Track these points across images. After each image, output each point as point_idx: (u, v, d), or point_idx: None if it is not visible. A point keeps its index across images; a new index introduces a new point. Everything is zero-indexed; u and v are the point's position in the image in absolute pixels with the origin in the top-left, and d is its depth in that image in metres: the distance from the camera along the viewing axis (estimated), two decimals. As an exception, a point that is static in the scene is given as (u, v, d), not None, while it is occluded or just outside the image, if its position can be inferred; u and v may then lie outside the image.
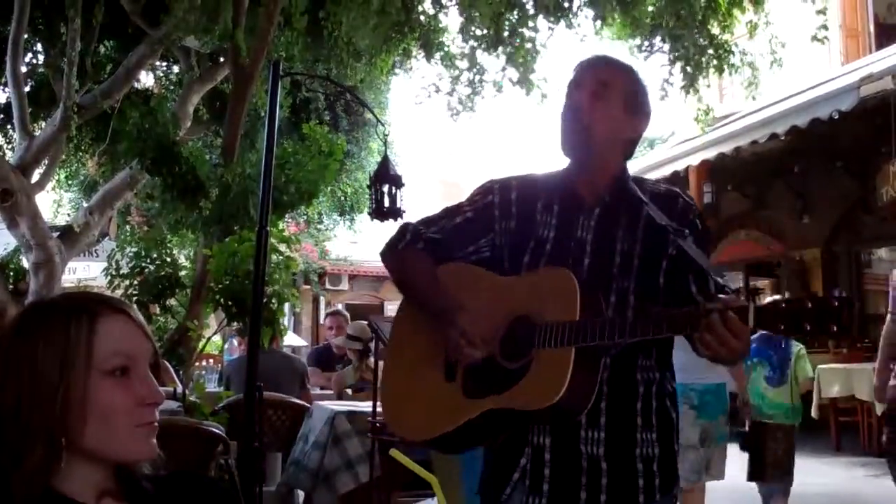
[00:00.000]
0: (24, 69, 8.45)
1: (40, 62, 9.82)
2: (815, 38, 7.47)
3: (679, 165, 9.61)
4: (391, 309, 10.12)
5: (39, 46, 9.80)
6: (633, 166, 1.98)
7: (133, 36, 8.70)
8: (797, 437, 5.03)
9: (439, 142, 44.41)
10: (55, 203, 13.97)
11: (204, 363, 7.99)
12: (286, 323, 8.48)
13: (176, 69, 10.75)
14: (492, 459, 1.87)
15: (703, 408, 4.60)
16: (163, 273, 6.62)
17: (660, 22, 8.07)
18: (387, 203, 5.11)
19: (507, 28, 8.27)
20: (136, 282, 6.57)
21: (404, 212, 5.13)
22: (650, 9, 8.09)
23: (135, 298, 6.45)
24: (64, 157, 9.80)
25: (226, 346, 9.78)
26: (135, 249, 6.77)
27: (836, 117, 7.12)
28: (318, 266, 16.81)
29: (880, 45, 10.11)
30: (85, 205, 9.91)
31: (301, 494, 4.80)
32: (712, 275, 1.70)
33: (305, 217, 13.25)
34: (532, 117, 68.59)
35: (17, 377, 1.10)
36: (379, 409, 3.74)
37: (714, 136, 9.06)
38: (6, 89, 8.72)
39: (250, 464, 3.44)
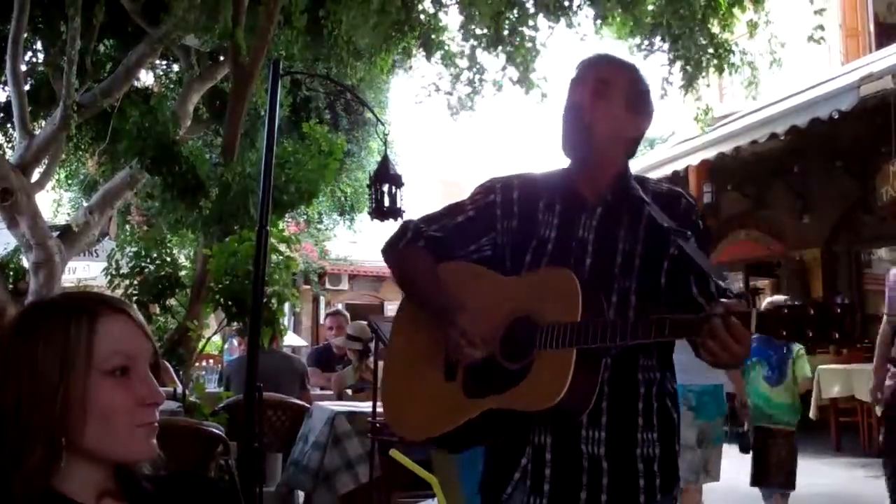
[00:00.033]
0: (24, 68, 8.44)
1: (40, 61, 9.81)
2: (811, 38, 7.45)
3: (679, 165, 9.61)
4: (391, 309, 10.13)
5: (39, 45, 9.80)
6: (633, 166, 1.97)
7: (133, 35, 8.70)
8: (797, 437, 5.03)
9: (439, 141, 44.34)
10: (55, 202, 13.93)
11: (204, 363, 8.00)
12: (286, 323, 8.48)
13: (176, 68, 10.74)
14: (492, 459, 1.87)
15: (701, 408, 4.61)
16: (163, 273, 6.62)
17: (660, 21, 8.05)
18: (387, 203, 5.12)
19: (507, 27, 8.25)
20: (136, 281, 6.57)
21: (404, 211, 5.13)
22: (650, 8, 8.07)
23: (135, 298, 6.45)
24: (64, 156, 9.78)
25: (226, 346, 9.79)
26: (135, 249, 6.77)
27: (836, 117, 7.11)
28: (318, 266, 16.80)
29: (880, 44, 10.11)
30: (85, 204, 9.90)
31: (301, 495, 4.80)
32: (714, 276, 1.69)
33: (305, 217, 13.25)
34: (532, 117, 68.71)
35: (17, 377, 1.10)
36: (379, 410, 3.74)
37: (714, 135, 9.05)
38: (6, 88, 8.71)
39: (250, 464, 3.44)
